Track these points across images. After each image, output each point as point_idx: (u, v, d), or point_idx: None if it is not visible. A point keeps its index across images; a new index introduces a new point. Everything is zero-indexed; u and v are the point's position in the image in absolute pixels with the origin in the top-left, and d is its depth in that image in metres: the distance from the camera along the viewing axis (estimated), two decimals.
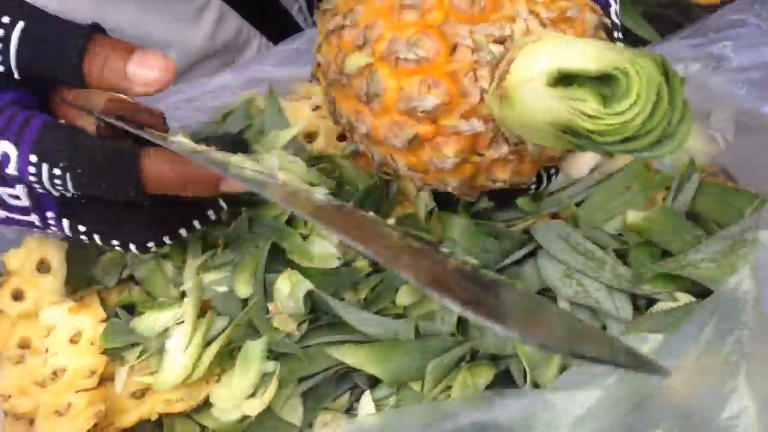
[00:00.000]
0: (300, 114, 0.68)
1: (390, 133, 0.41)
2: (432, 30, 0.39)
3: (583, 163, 0.47)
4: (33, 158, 0.44)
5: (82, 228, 0.49)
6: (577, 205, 0.66)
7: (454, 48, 0.40)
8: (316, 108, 0.69)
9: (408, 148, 0.41)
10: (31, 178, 0.45)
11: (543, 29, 0.40)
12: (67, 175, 0.44)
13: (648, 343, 0.41)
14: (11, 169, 0.45)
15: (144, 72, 0.44)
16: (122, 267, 0.66)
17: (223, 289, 0.59)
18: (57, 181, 0.45)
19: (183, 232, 0.51)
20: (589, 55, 0.35)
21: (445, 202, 0.67)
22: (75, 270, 0.65)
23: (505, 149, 0.41)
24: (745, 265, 0.41)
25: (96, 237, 0.50)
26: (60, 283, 0.65)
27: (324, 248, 0.59)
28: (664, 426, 0.37)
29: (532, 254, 0.64)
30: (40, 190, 0.47)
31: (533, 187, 0.53)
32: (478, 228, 0.64)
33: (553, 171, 0.53)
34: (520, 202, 0.65)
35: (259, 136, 0.65)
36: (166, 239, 0.51)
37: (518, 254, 0.63)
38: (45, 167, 0.44)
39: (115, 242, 0.50)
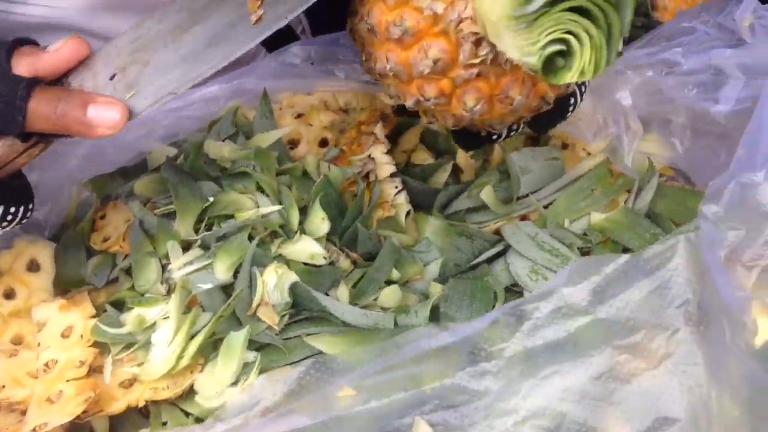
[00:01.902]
0: (284, 121, 0.72)
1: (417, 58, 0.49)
2: None
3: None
4: None
5: None
6: (546, 207, 0.70)
7: None
8: (299, 116, 0.73)
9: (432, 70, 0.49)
10: None
11: None
12: None
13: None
14: None
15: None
16: (111, 268, 0.68)
17: (207, 286, 0.61)
18: None
19: (12, 209, 0.55)
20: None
21: (421, 205, 0.70)
22: (65, 271, 0.68)
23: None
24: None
25: None
26: (49, 281, 0.68)
27: (311, 247, 0.62)
28: (606, 351, 0.41)
29: (502, 253, 0.67)
30: None
31: (571, 108, 0.58)
32: (451, 229, 0.68)
33: (520, 127, 0.59)
34: (491, 204, 0.69)
35: (246, 141, 0.69)
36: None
37: (489, 253, 0.67)
38: None
39: None
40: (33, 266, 0.68)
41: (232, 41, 0.51)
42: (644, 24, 1.40)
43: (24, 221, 0.56)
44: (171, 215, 0.66)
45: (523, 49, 0.44)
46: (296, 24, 0.95)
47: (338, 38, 0.76)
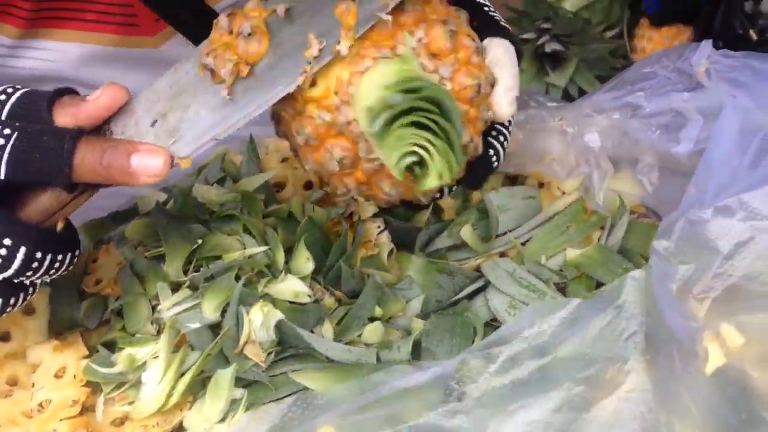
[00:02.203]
0: (270, 165, 0.75)
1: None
2: None
3: (500, 101, 0.56)
4: None
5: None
6: (523, 244, 0.72)
7: None
8: (284, 160, 0.76)
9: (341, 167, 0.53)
10: None
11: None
12: (11, 141, 0.49)
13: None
14: None
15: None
16: (103, 310, 0.70)
17: (196, 325, 0.64)
18: None
19: (60, 257, 0.54)
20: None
21: (403, 244, 0.73)
22: (59, 314, 0.70)
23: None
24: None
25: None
26: (44, 324, 0.70)
27: (296, 286, 0.65)
28: (566, 384, 0.44)
29: (482, 289, 0.70)
30: None
31: (494, 160, 0.60)
32: (432, 266, 0.70)
33: (454, 186, 0.61)
34: (471, 242, 0.71)
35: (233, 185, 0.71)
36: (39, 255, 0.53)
37: (469, 289, 0.69)
38: None
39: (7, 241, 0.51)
40: (28, 310, 0.70)
41: (269, 84, 0.52)
42: (624, 66, 1.44)
43: (70, 268, 0.56)
44: (161, 257, 0.69)
45: (386, 161, 0.48)
46: None
47: None
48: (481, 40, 0.59)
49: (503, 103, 0.56)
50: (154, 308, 0.66)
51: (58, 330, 0.70)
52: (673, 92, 0.62)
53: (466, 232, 0.72)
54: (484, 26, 0.60)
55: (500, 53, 0.58)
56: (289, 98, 0.52)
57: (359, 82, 0.49)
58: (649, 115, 0.64)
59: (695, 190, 0.50)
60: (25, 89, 0.54)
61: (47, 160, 0.50)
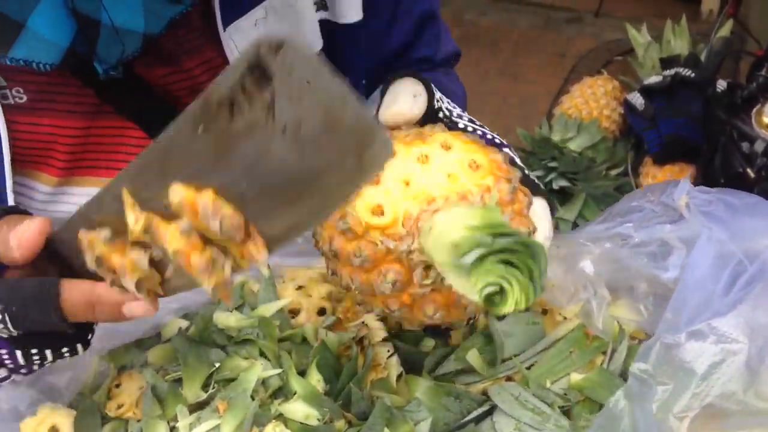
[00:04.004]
0: (286, 293, 0.79)
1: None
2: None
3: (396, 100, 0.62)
4: None
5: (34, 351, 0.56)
6: (528, 368, 0.75)
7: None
8: (299, 288, 0.80)
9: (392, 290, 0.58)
10: None
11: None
12: (6, 315, 0.53)
13: None
14: None
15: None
16: None
17: None
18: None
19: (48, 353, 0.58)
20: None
21: (412, 367, 0.76)
22: None
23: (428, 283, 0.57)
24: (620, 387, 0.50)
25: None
26: None
27: (307, 409, 0.68)
28: None
29: (489, 412, 0.72)
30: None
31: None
32: (440, 389, 0.73)
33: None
34: (478, 366, 0.74)
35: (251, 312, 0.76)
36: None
37: (476, 412, 0.71)
38: None
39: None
40: None
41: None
42: None
43: (86, 348, 0.59)
44: (181, 380, 0.72)
45: (465, 289, 0.53)
46: None
47: None
48: None
49: None
50: (172, 429, 0.69)
51: None
52: (658, 224, 0.67)
53: (473, 357, 0.74)
54: (527, 185, 0.68)
55: (540, 209, 0.66)
56: (343, 222, 0.58)
57: (434, 220, 0.55)
58: (638, 245, 0.68)
59: (671, 315, 0.53)
60: None
61: (39, 311, 0.54)
